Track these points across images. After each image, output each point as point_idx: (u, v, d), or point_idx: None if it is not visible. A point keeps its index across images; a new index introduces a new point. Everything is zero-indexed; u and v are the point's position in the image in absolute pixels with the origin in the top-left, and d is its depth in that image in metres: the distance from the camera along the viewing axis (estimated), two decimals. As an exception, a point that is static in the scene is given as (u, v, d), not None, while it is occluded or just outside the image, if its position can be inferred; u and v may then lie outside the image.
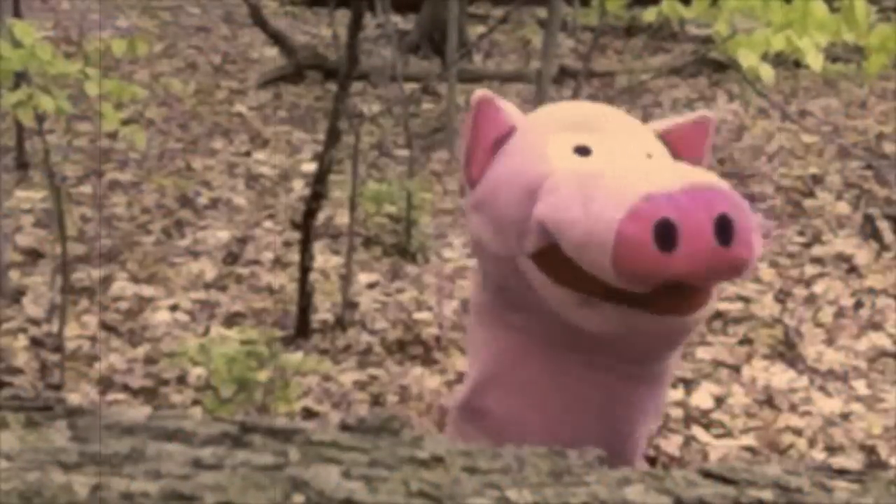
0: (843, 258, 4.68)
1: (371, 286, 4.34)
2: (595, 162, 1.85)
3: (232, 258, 4.59)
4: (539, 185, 1.82)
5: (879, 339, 3.98)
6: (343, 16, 5.06)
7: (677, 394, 3.58)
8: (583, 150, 1.90)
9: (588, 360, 1.89)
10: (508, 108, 2.05)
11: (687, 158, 1.95)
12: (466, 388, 2.07)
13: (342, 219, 4.67)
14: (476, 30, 8.63)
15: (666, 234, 1.65)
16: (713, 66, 7.35)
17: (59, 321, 3.70)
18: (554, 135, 1.94)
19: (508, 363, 1.97)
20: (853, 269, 4.57)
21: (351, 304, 4.06)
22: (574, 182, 1.78)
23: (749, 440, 3.34)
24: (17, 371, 3.60)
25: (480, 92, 2.06)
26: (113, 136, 5.58)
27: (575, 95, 4.00)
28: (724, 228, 1.67)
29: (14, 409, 0.97)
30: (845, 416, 3.47)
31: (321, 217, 4.30)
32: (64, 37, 7.91)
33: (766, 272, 4.55)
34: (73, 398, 3.40)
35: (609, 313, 1.80)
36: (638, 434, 1.94)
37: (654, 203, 1.67)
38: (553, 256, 1.81)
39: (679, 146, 2.00)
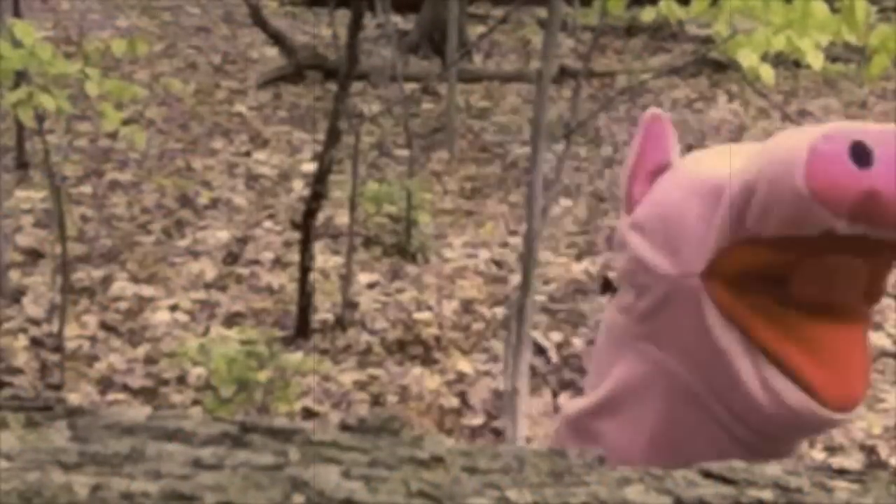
0: (843, 258, 4.67)
1: (371, 286, 4.34)
2: None
3: (232, 258, 4.59)
4: (718, 191, 1.79)
5: (879, 339, 3.98)
6: (343, 16, 5.06)
7: (677, 394, 3.59)
8: None
9: (710, 413, 1.85)
10: (674, 138, 2.02)
11: None
12: (583, 404, 2.04)
13: (342, 219, 4.67)
14: (476, 30, 8.63)
15: (862, 153, 1.62)
16: (713, 66, 7.36)
17: (59, 321, 3.70)
18: (719, 160, 1.91)
19: (630, 394, 1.94)
20: (853, 269, 4.57)
21: (351, 304, 4.06)
22: (759, 149, 1.76)
23: (749, 440, 3.34)
24: (17, 371, 3.60)
25: (653, 111, 2.02)
26: (113, 136, 5.59)
27: (575, 95, 3.99)
28: None
29: (14, 409, 0.97)
30: (845, 416, 3.47)
31: (321, 217, 4.30)
32: (64, 37, 7.91)
33: (766, 272, 4.55)
34: (73, 398, 3.40)
35: (769, 376, 1.76)
36: None
37: (850, 129, 1.66)
38: (731, 264, 1.77)
39: None
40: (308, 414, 3.42)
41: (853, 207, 1.60)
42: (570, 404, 2.12)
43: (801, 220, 1.65)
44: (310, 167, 5.30)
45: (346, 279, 4.10)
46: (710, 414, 1.82)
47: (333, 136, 3.84)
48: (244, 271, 4.46)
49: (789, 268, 1.71)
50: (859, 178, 1.59)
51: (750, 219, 1.69)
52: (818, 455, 3.27)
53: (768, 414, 1.74)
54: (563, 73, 6.92)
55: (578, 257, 4.73)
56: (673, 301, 1.82)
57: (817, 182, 1.61)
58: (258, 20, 7.60)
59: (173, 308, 4.11)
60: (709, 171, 1.86)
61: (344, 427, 0.99)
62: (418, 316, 4.08)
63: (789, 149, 1.65)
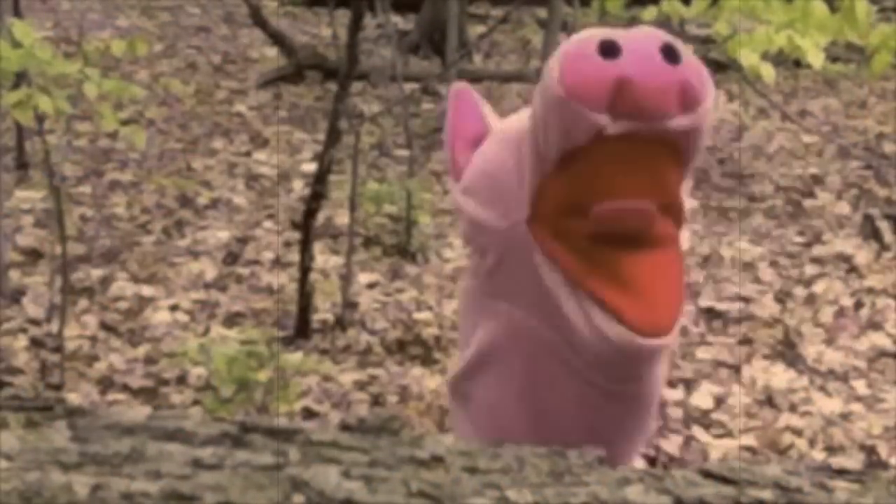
0: (843, 258, 4.68)
1: (371, 286, 4.34)
2: None
3: (232, 258, 4.59)
4: (525, 133, 1.83)
5: (879, 339, 3.98)
6: (343, 16, 5.06)
7: (677, 394, 3.59)
8: None
9: (569, 363, 1.88)
10: (486, 107, 2.08)
11: None
12: (458, 369, 2.09)
13: (342, 219, 4.67)
14: (476, 30, 8.63)
15: (610, 48, 1.66)
16: (713, 66, 7.35)
17: (59, 321, 3.70)
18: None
19: (490, 352, 1.97)
20: (853, 269, 4.57)
21: (351, 304, 4.06)
22: None
23: (749, 440, 3.34)
24: (17, 371, 3.60)
25: (458, 84, 2.09)
26: (113, 136, 5.59)
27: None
28: (671, 53, 1.68)
29: (14, 409, 0.97)
30: (845, 416, 3.47)
31: (321, 217, 4.30)
32: (64, 37, 7.91)
33: (766, 272, 4.55)
34: (73, 398, 3.40)
35: (591, 312, 1.79)
36: (615, 451, 1.92)
37: (598, 34, 1.70)
38: (548, 202, 1.80)
39: None
40: (308, 414, 3.42)
41: (609, 98, 1.64)
42: (450, 371, 2.16)
43: (568, 125, 1.69)
44: (310, 167, 5.30)
45: (346, 279, 4.10)
46: (564, 361, 1.84)
47: (333, 136, 3.84)
48: (244, 271, 4.46)
49: (584, 195, 1.74)
50: (607, 68, 1.63)
51: (541, 146, 1.74)
52: (818, 455, 3.27)
53: (596, 349, 1.77)
54: (563, 73, 6.91)
55: (578, 257, 4.72)
56: (509, 254, 1.87)
57: (569, 80, 1.65)
58: (258, 20, 7.60)
59: (173, 308, 4.11)
60: (516, 123, 1.90)
61: (344, 427, 0.99)
62: (418, 316, 4.08)
63: (548, 64, 1.70)
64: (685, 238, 1.89)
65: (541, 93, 1.73)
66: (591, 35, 1.69)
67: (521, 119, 1.92)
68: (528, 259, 1.83)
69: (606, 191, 1.73)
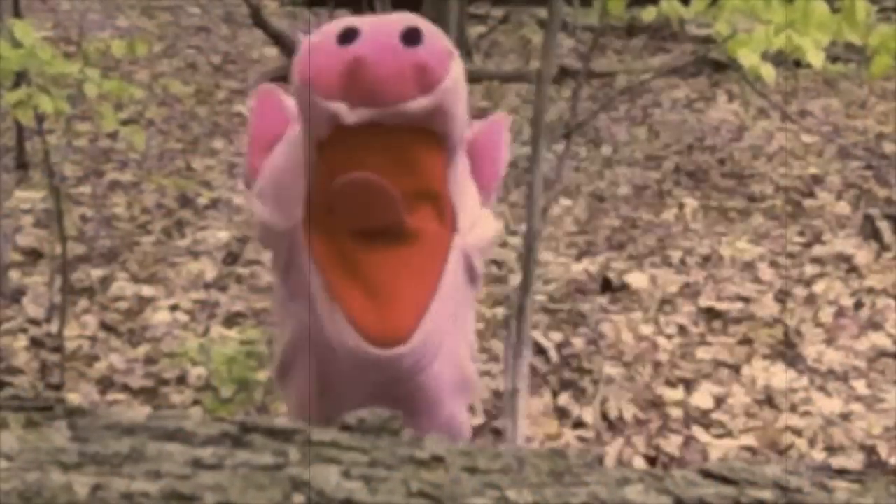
0: (843, 258, 4.68)
1: (371, 286, 4.33)
2: None
3: (232, 258, 4.59)
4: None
5: (879, 339, 3.98)
6: (343, 16, 5.06)
7: (677, 394, 3.59)
8: None
9: (344, 370, 1.85)
10: (292, 106, 2.03)
11: (486, 160, 1.97)
12: (271, 371, 2.09)
13: (342, 219, 4.66)
14: (476, 30, 8.63)
15: (349, 35, 1.64)
16: (713, 66, 7.36)
17: (59, 321, 3.70)
18: None
19: (292, 353, 1.96)
20: (853, 269, 4.57)
21: (351, 304, 4.06)
22: None
23: (749, 440, 3.34)
24: (17, 371, 3.60)
25: (264, 86, 2.06)
26: (113, 136, 5.59)
27: (575, 95, 3.99)
28: (412, 36, 1.65)
29: (14, 409, 0.97)
30: (845, 416, 3.47)
31: (321, 217, 4.29)
32: (64, 37, 7.91)
33: (766, 272, 4.55)
34: (73, 398, 3.40)
35: (339, 324, 1.74)
36: None
37: (343, 22, 1.69)
38: (310, 211, 1.79)
39: (476, 151, 1.99)
40: (308, 414, 3.42)
41: (341, 83, 1.62)
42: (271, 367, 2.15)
43: (311, 115, 1.67)
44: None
45: (346, 279, 4.10)
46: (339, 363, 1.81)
47: (333, 136, 3.83)
48: (244, 271, 4.46)
49: (329, 191, 1.71)
50: (340, 53, 1.62)
51: (303, 142, 1.73)
52: (818, 455, 3.27)
53: (338, 353, 1.74)
54: (563, 73, 6.92)
55: (578, 257, 4.73)
56: (294, 255, 1.84)
57: (304, 67, 1.64)
58: (258, 20, 7.60)
59: (173, 308, 4.11)
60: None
61: (344, 427, 0.99)
62: (418, 316, 4.07)
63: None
64: (473, 236, 1.83)
65: (291, 84, 1.72)
66: (337, 24, 1.67)
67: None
68: (303, 260, 1.81)
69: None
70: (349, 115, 1.64)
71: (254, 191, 1.98)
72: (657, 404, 3.52)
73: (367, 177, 1.67)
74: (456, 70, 1.69)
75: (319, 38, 1.66)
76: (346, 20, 1.69)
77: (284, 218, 1.84)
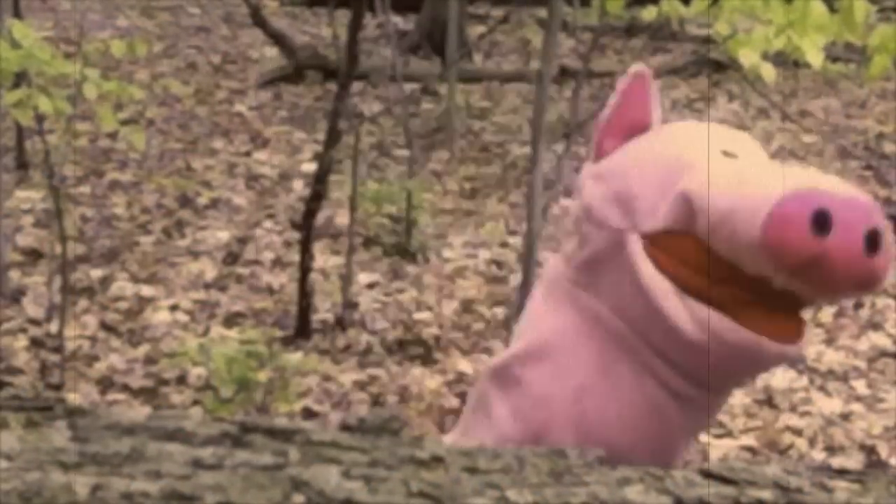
0: (843, 258, 4.67)
1: (371, 286, 4.33)
2: (743, 163, 1.86)
3: (232, 258, 4.59)
4: (684, 166, 1.81)
5: (879, 339, 3.98)
6: (343, 16, 5.06)
7: (677, 394, 3.59)
8: (729, 154, 1.90)
9: (645, 366, 1.86)
10: (657, 100, 2.03)
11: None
12: (509, 352, 2.05)
13: (342, 219, 4.67)
14: (476, 30, 8.63)
15: (822, 221, 1.66)
16: (713, 66, 7.35)
17: (59, 321, 3.70)
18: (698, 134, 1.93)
19: (561, 341, 1.94)
20: (853, 269, 4.57)
21: (351, 304, 4.06)
22: (725, 169, 1.79)
23: (749, 440, 3.34)
24: (17, 371, 3.60)
25: (639, 67, 2.03)
26: (113, 136, 5.59)
27: (575, 95, 3.99)
28: (874, 241, 1.68)
29: (14, 409, 0.97)
30: (845, 416, 3.47)
31: (321, 217, 4.30)
32: (64, 37, 7.91)
33: (766, 272, 4.55)
34: (73, 398, 3.40)
35: (699, 312, 1.77)
36: (666, 459, 1.90)
37: (817, 193, 1.69)
38: (671, 242, 1.79)
39: None
40: (308, 414, 3.41)
41: (799, 267, 1.65)
42: (494, 360, 2.12)
43: (744, 260, 1.69)
44: (310, 167, 5.30)
45: (346, 279, 4.10)
46: (644, 364, 1.82)
47: (333, 136, 3.84)
48: (244, 271, 4.46)
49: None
50: (811, 243, 1.63)
51: (698, 229, 1.72)
52: (818, 455, 3.27)
53: (702, 346, 1.75)
54: (563, 73, 6.91)
55: (578, 257, 4.72)
56: (611, 252, 1.84)
57: (773, 239, 1.65)
58: (258, 20, 7.60)
59: (173, 308, 4.11)
60: (682, 145, 1.87)
61: (344, 427, 0.99)
62: (418, 316, 4.08)
63: (754, 195, 1.69)
64: None
65: (734, 218, 1.71)
66: (809, 194, 1.68)
67: (690, 143, 1.89)
68: (629, 264, 1.82)
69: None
70: (781, 283, 1.70)
71: (593, 170, 1.97)
72: (657, 404, 3.52)
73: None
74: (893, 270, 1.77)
75: (794, 204, 1.67)
76: (814, 189, 1.71)
77: (626, 218, 1.85)
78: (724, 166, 1.81)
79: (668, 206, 1.79)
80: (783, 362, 1.79)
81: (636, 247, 1.81)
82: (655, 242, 1.81)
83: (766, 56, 3.14)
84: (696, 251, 1.77)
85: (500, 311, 4.11)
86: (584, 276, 1.92)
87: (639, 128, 1.98)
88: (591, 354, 1.89)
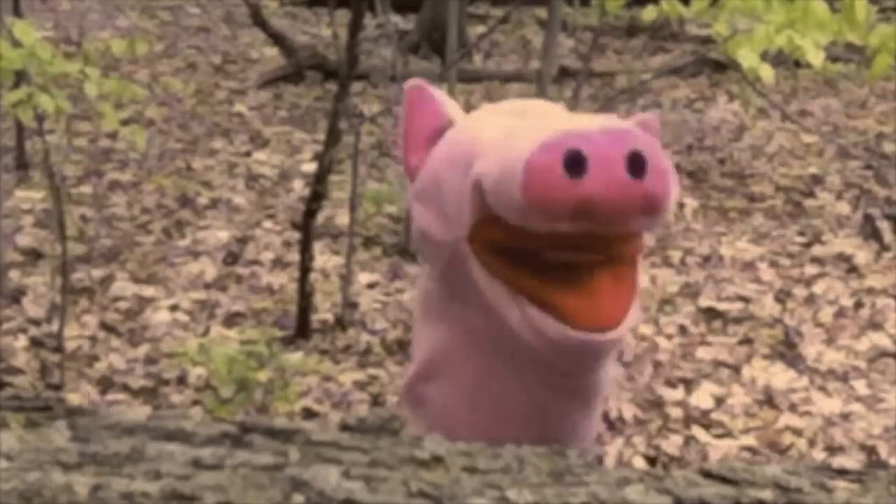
0: (843, 258, 4.68)
1: (371, 286, 4.34)
2: (519, 123, 1.86)
3: (232, 258, 4.59)
4: (475, 154, 1.82)
5: (879, 339, 3.98)
6: (343, 16, 5.06)
7: (677, 394, 3.59)
8: (516, 117, 1.92)
9: (522, 364, 1.88)
10: (445, 100, 2.05)
11: None
12: (412, 370, 2.09)
13: (342, 219, 4.67)
14: (476, 30, 8.63)
15: (576, 162, 1.65)
16: (713, 66, 7.35)
17: (59, 321, 3.71)
18: (492, 119, 1.94)
19: (445, 354, 1.98)
20: (853, 269, 4.57)
21: (351, 304, 4.06)
22: (500, 135, 1.80)
23: (749, 440, 3.34)
24: (17, 371, 3.60)
25: (413, 81, 2.06)
26: (113, 136, 5.59)
27: (575, 95, 3.99)
28: (636, 163, 1.67)
29: (14, 409, 0.97)
30: (845, 416, 3.47)
31: (321, 217, 4.30)
32: (64, 37, 7.91)
33: (766, 272, 4.55)
34: (73, 398, 3.40)
35: (534, 317, 1.79)
36: (564, 443, 1.93)
37: (566, 136, 1.68)
38: (486, 235, 1.81)
39: None
40: (308, 414, 3.42)
41: (570, 213, 1.65)
42: (404, 373, 2.15)
43: (526, 222, 1.69)
44: (310, 167, 5.30)
45: (346, 279, 4.10)
46: (521, 363, 1.85)
47: (333, 136, 3.83)
48: (244, 271, 4.46)
49: (537, 246, 1.75)
50: (571, 188, 1.63)
51: (491, 206, 1.74)
52: (818, 455, 3.27)
53: (533, 347, 1.78)
54: (563, 73, 6.91)
55: (578, 257, 4.72)
56: (454, 262, 1.87)
57: (532, 194, 1.66)
58: (258, 20, 7.59)
59: (173, 308, 4.11)
60: (467, 137, 1.89)
61: (344, 427, 0.99)
62: (418, 316, 4.07)
63: (512, 159, 1.69)
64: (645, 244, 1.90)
65: (497, 185, 1.72)
66: (558, 142, 1.67)
67: (477, 127, 1.90)
68: (469, 269, 1.84)
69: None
70: (569, 227, 1.68)
71: (413, 190, 2.00)
72: (657, 404, 3.53)
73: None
74: (676, 187, 1.74)
75: (544, 160, 1.66)
76: (563, 133, 1.69)
77: (445, 229, 1.87)
78: (499, 132, 1.81)
79: (468, 199, 1.80)
80: (612, 348, 1.81)
81: (469, 258, 1.82)
82: (477, 239, 1.82)
83: (765, 56, 3.14)
84: (503, 232, 1.78)
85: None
86: (444, 288, 1.94)
87: (439, 132, 2.00)
88: (474, 364, 1.92)
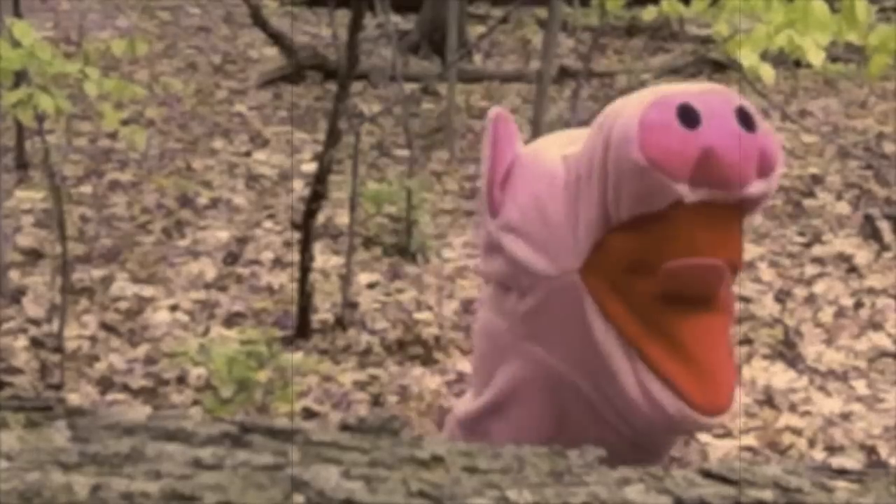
0: (843, 258, 4.68)
1: (371, 286, 4.33)
2: None
3: (232, 258, 4.59)
4: (578, 182, 1.81)
5: (879, 339, 3.98)
6: (343, 16, 5.06)
7: (677, 394, 3.59)
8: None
9: (597, 412, 1.86)
10: (516, 133, 2.03)
11: None
12: (474, 406, 2.05)
13: (342, 219, 4.67)
14: (476, 30, 8.62)
15: (689, 116, 1.64)
16: (713, 66, 7.35)
17: (59, 321, 3.70)
18: (557, 147, 1.93)
19: (516, 396, 1.95)
20: (853, 269, 4.57)
21: (351, 304, 4.06)
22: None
23: (749, 440, 3.34)
24: (17, 371, 3.60)
25: (496, 110, 2.02)
26: (113, 136, 5.59)
27: (575, 95, 3.99)
28: (746, 118, 1.67)
29: (14, 409, 0.97)
30: (845, 416, 3.47)
31: (321, 217, 4.30)
32: (64, 37, 7.91)
33: (766, 272, 4.55)
34: (73, 398, 3.40)
35: (648, 383, 1.76)
36: None
37: (674, 94, 1.68)
38: (604, 259, 1.78)
39: None
40: (308, 414, 3.42)
41: (693, 169, 1.63)
42: (458, 405, 2.11)
43: (647, 192, 1.68)
44: (310, 167, 5.30)
45: (346, 279, 4.10)
46: (596, 413, 1.83)
47: (333, 136, 3.83)
48: (244, 271, 4.46)
49: (655, 254, 1.73)
50: (690, 139, 1.62)
51: (609, 205, 1.72)
52: (818, 455, 3.27)
53: (647, 417, 1.76)
54: (563, 73, 6.91)
55: (578, 257, 4.72)
56: (555, 300, 1.83)
57: (653, 152, 1.64)
58: (258, 20, 7.59)
59: (173, 308, 4.11)
60: (551, 156, 1.87)
61: (344, 427, 0.99)
62: (418, 316, 4.08)
63: (622, 126, 1.68)
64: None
65: (615, 157, 1.69)
66: (667, 97, 1.66)
67: (554, 149, 1.88)
68: (577, 309, 1.79)
69: (678, 250, 1.72)
70: (690, 194, 1.66)
71: (501, 224, 1.95)
72: (657, 404, 3.52)
73: (712, 263, 1.72)
74: (782, 151, 1.75)
75: (658, 115, 1.65)
76: (672, 92, 1.68)
77: (549, 262, 1.83)
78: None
79: (586, 219, 1.76)
80: (710, 429, 1.81)
81: (582, 296, 1.78)
82: (593, 269, 1.79)
83: (765, 56, 3.14)
84: (623, 243, 1.75)
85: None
86: (529, 327, 1.90)
87: (511, 165, 1.96)
88: (546, 404, 1.90)
